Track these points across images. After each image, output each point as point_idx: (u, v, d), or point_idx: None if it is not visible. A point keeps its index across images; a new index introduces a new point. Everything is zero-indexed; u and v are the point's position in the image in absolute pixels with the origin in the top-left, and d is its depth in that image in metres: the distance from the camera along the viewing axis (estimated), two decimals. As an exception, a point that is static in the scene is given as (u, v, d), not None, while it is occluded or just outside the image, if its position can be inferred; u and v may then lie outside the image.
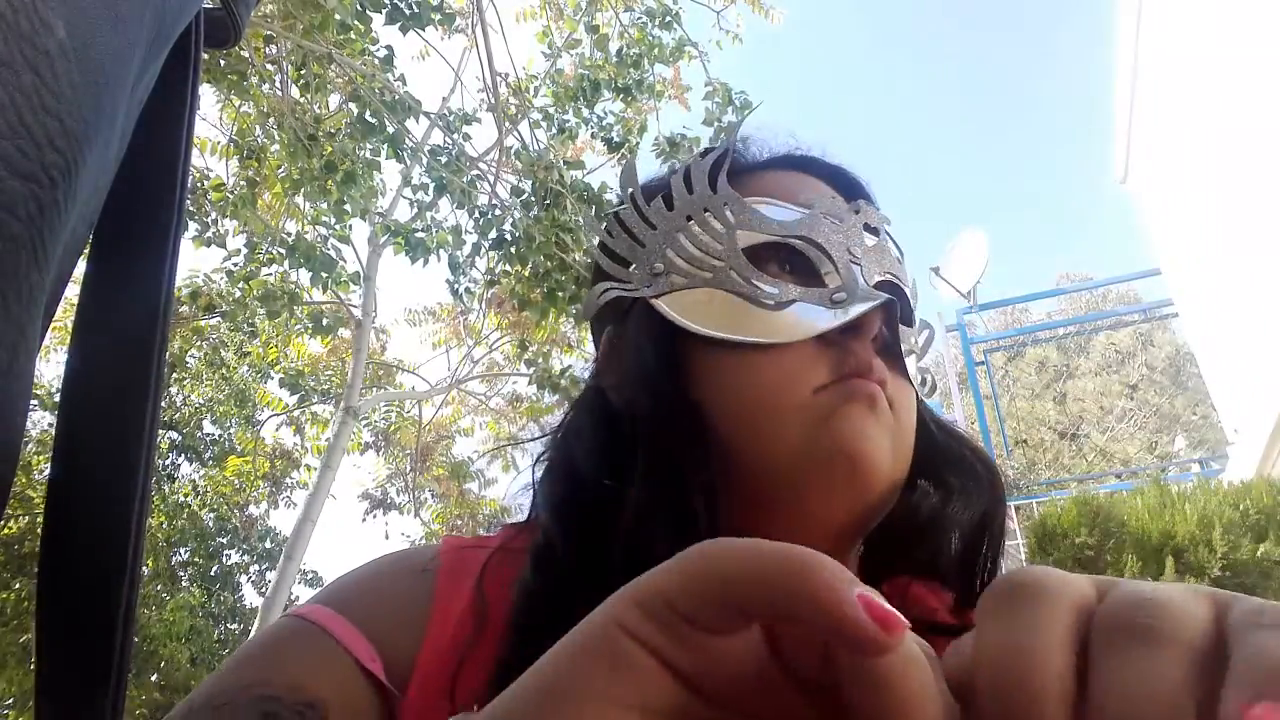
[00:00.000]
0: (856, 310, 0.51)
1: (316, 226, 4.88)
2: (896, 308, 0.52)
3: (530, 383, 5.86)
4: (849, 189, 0.62)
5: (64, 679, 0.27)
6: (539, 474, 0.58)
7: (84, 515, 0.28)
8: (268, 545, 9.70)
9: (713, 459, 0.50)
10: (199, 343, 8.31)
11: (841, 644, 0.22)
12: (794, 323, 0.52)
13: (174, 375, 8.31)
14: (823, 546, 0.53)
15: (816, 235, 0.54)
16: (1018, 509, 7.50)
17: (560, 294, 4.40)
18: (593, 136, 5.15)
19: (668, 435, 0.51)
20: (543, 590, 0.49)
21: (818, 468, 0.49)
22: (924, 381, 0.59)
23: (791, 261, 0.55)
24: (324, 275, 4.49)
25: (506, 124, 4.76)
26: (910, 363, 0.56)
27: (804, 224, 0.55)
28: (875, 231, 0.57)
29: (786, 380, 0.51)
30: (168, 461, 8.90)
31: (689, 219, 0.57)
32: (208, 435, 9.26)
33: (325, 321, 5.25)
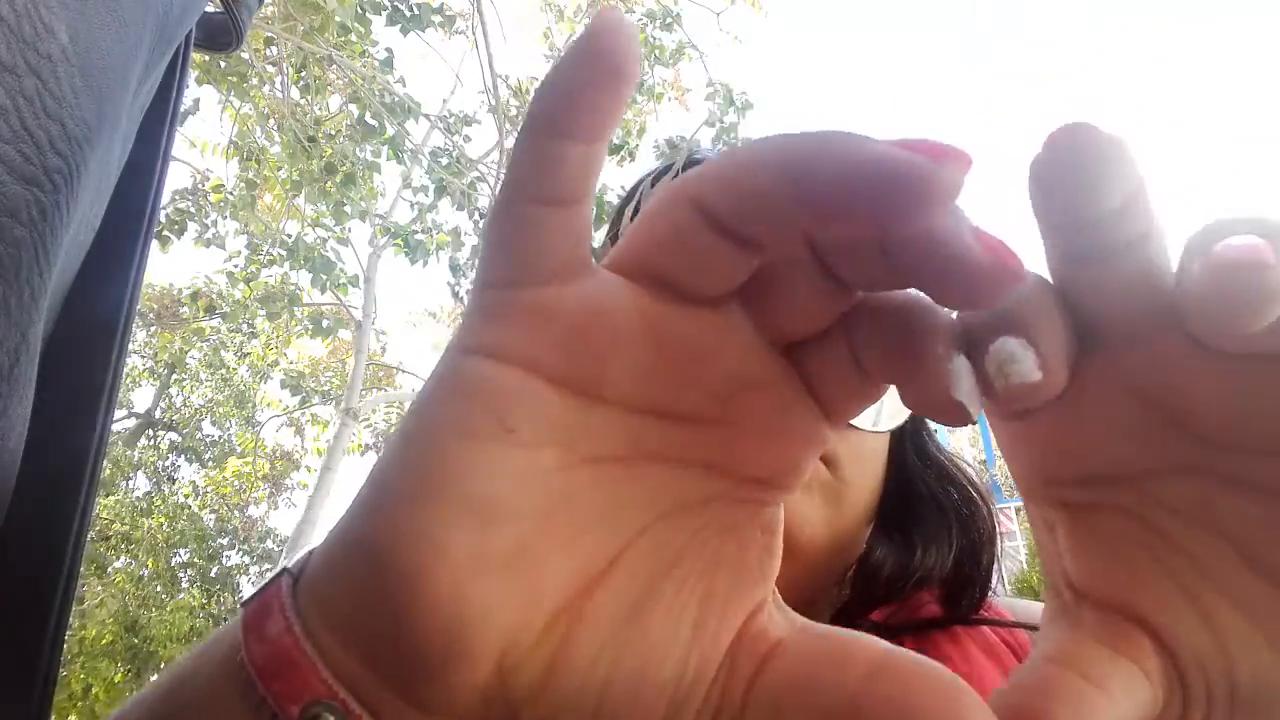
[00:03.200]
0: None
1: (316, 228, 4.87)
2: None
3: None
4: None
5: None
6: None
7: (22, 513, 0.28)
8: (268, 546, 9.69)
9: None
10: (199, 344, 8.30)
11: (869, 199, 0.15)
12: None
13: (174, 376, 8.31)
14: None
15: None
16: (1018, 509, 7.48)
17: (560, 295, 4.39)
18: (592, 138, 5.15)
19: None
20: None
21: None
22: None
23: None
24: (323, 277, 4.50)
25: (507, 126, 4.76)
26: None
27: None
28: None
29: None
30: (167, 462, 8.90)
31: None
32: (207, 436, 9.26)
33: (325, 323, 5.25)
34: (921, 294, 0.18)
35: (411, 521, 0.17)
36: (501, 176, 4.78)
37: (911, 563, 0.52)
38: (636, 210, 0.55)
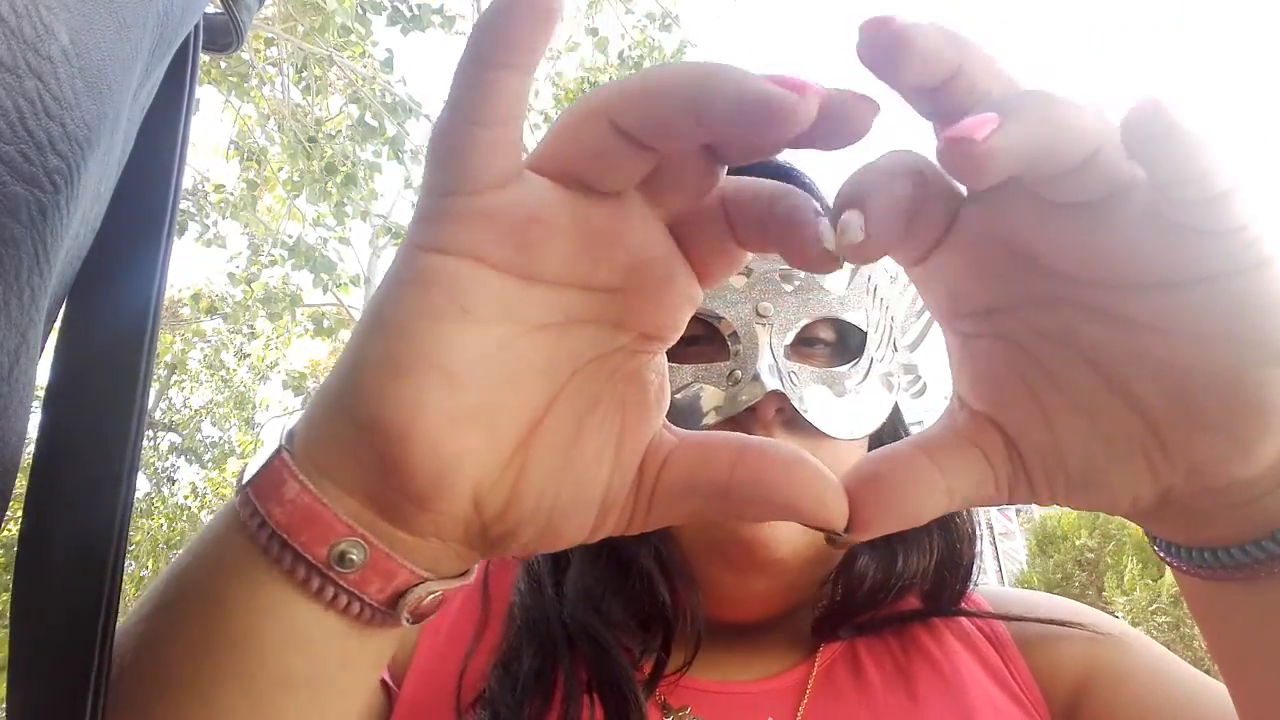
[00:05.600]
0: (744, 402, 0.48)
1: (317, 228, 4.88)
2: (789, 396, 0.48)
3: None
4: None
5: (38, 688, 0.27)
6: None
7: (63, 521, 0.28)
8: (268, 547, 9.66)
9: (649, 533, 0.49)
10: (200, 345, 8.32)
11: (754, 125, 0.20)
12: (692, 406, 0.50)
13: (173, 378, 8.32)
14: (759, 612, 0.51)
15: (715, 302, 0.51)
16: (1018, 511, 7.49)
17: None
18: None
19: None
20: (531, 596, 0.50)
21: (718, 551, 0.48)
22: (899, 386, 0.55)
23: (695, 333, 0.52)
24: (325, 276, 4.50)
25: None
26: (866, 395, 0.52)
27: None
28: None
29: None
30: (168, 464, 8.89)
31: None
32: (207, 438, 9.26)
33: (326, 323, 5.25)
34: (788, 185, 0.23)
35: (395, 392, 0.22)
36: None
37: (894, 571, 0.52)
38: None
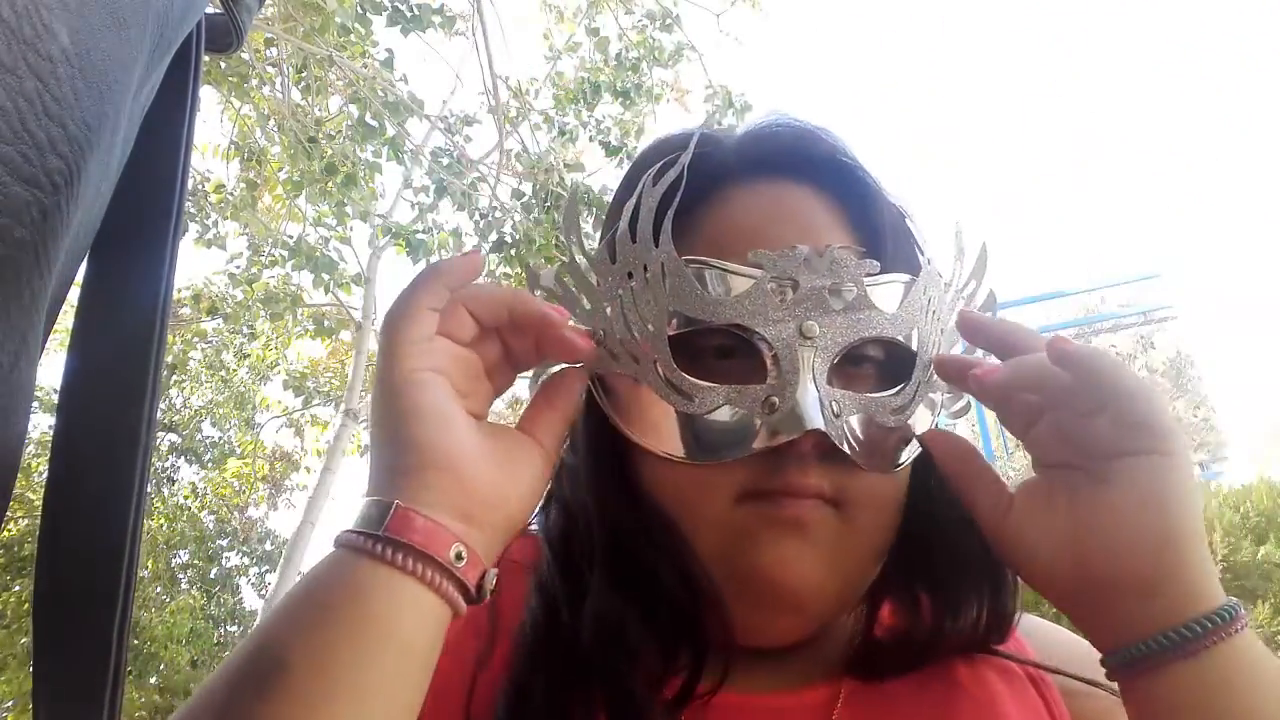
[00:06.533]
0: (785, 434, 0.46)
1: (318, 228, 4.87)
2: (830, 434, 0.46)
3: (530, 387, 5.85)
4: (845, 191, 0.54)
5: (61, 680, 0.27)
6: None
7: (81, 516, 0.28)
8: (267, 548, 9.68)
9: (667, 549, 0.48)
10: (200, 345, 8.31)
11: (537, 323, 0.48)
12: (721, 431, 0.47)
13: (174, 378, 8.31)
14: (781, 642, 0.54)
15: (755, 319, 0.47)
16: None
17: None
18: (590, 140, 5.13)
19: (618, 533, 0.50)
20: (545, 620, 0.49)
21: (741, 586, 0.47)
22: (941, 404, 0.54)
23: (730, 344, 0.49)
24: (326, 276, 4.49)
25: (506, 126, 4.76)
26: (909, 425, 0.50)
27: (743, 303, 0.48)
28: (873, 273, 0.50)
29: (705, 491, 0.48)
30: (167, 464, 8.88)
31: (629, 275, 0.50)
32: (207, 438, 9.24)
33: (326, 323, 5.25)
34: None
35: (451, 444, 0.44)
36: (501, 177, 4.79)
37: (943, 629, 0.51)
38: (634, 222, 0.52)
